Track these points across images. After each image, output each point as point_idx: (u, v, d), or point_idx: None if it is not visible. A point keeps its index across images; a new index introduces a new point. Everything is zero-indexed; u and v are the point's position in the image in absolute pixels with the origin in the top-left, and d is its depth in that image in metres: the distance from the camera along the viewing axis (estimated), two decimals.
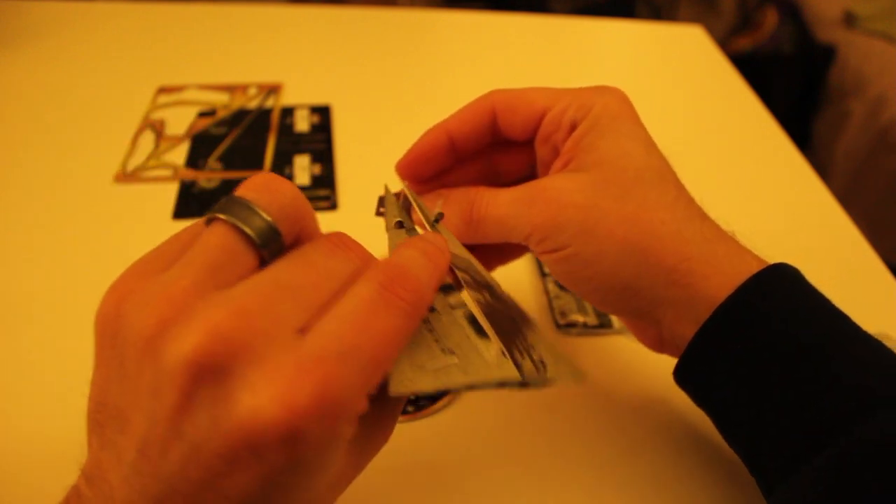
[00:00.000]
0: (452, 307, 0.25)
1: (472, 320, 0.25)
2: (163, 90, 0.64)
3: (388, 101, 0.64)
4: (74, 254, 0.46)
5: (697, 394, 0.30)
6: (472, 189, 0.33)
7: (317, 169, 0.55)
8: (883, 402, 0.25)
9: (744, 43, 1.66)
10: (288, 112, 0.62)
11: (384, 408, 0.23)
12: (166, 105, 0.62)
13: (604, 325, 0.41)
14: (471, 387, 0.22)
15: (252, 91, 0.64)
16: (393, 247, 0.28)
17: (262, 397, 0.18)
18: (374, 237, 0.28)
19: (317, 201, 0.52)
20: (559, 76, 0.70)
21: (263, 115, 0.61)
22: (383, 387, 0.21)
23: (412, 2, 1.70)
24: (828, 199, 0.54)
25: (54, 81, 0.65)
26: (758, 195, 0.55)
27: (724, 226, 0.30)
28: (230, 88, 0.64)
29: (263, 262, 0.21)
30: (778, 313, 0.27)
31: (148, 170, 0.54)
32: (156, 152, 0.56)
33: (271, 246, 0.21)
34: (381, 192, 0.32)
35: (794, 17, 1.66)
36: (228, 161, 0.56)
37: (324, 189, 0.53)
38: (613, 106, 0.31)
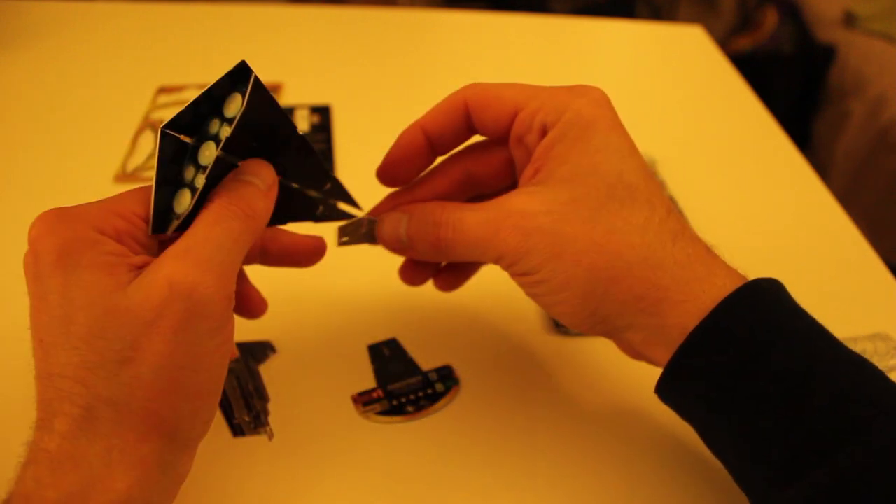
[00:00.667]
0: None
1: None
2: (163, 90, 0.64)
3: (388, 101, 0.64)
4: None
5: (678, 412, 0.30)
6: (438, 208, 0.32)
7: None
8: (863, 422, 0.25)
9: (744, 43, 1.66)
10: (288, 112, 0.62)
11: None
12: (166, 105, 0.62)
13: None
14: None
15: None
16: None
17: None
18: None
19: None
20: (559, 76, 0.70)
21: None
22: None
23: (412, 2, 1.70)
24: (828, 199, 0.54)
25: (54, 81, 0.65)
26: (758, 195, 0.55)
27: (715, 230, 0.30)
28: None
29: None
30: (751, 335, 0.27)
31: (148, 170, 0.54)
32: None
33: None
34: (375, 199, 0.32)
35: (794, 17, 1.66)
36: None
37: None
38: (587, 112, 0.29)
